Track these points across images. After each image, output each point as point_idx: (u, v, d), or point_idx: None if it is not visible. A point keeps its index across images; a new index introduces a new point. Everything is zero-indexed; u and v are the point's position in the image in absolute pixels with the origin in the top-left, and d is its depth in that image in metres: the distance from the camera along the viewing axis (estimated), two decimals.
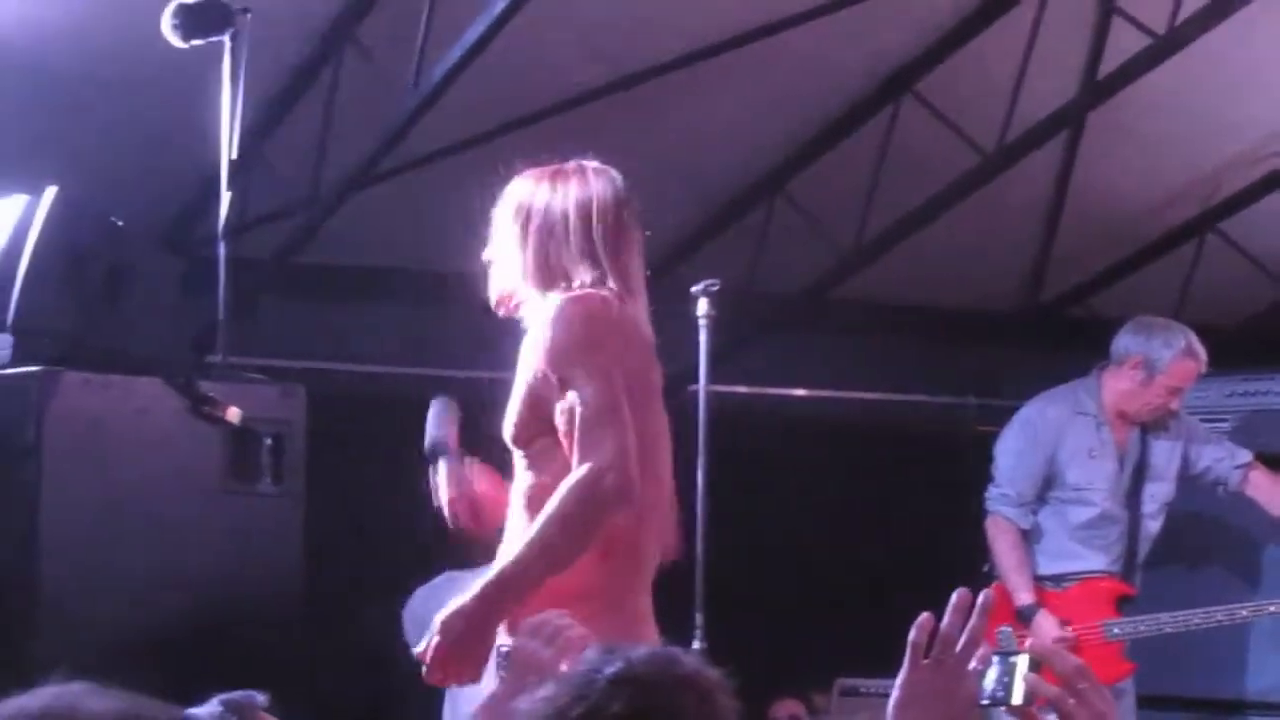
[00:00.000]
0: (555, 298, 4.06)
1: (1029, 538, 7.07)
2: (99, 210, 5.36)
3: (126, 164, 7.18)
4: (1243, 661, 7.69)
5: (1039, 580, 7.02)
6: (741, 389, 8.94)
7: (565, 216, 4.14)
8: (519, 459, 4.12)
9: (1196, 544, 7.66)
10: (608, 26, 7.30)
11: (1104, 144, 8.66)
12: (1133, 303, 8.33)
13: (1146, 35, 7.42)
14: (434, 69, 6.94)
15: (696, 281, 5.94)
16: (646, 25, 7.37)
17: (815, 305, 9.22)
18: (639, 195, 4.25)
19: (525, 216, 4.16)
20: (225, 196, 5.67)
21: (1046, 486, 7.08)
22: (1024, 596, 6.93)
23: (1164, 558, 7.32)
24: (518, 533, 4.06)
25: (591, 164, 4.24)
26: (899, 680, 2.43)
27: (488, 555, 4.18)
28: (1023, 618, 6.90)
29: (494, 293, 4.22)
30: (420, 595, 6.34)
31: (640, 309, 4.17)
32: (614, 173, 4.24)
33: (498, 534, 4.19)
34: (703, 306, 5.92)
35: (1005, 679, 2.40)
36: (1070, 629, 6.91)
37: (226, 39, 5.69)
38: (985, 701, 2.41)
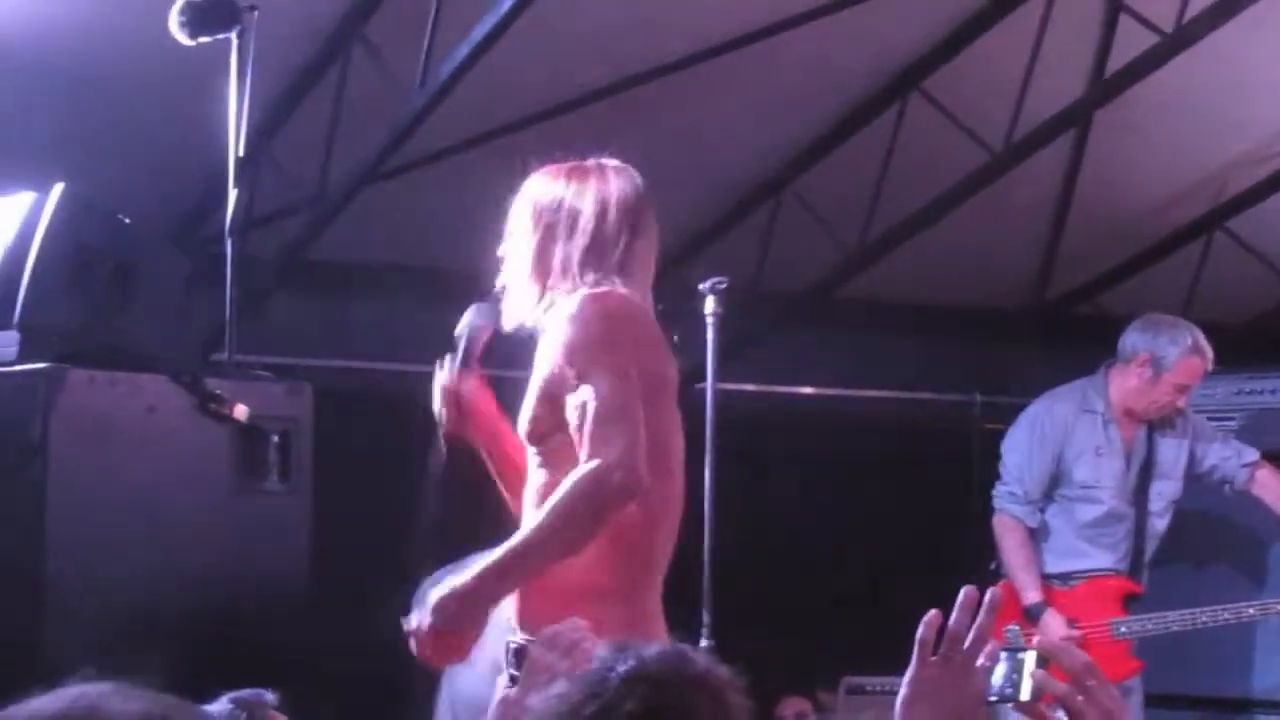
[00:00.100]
0: (575, 296, 4.04)
1: (1036, 536, 7.07)
2: (106, 208, 5.35)
3: (134, 161, 7.18)
4: (1249, 660, 7.69)
5: (1046, 578, 7.02)
6: (749, 387, 8.94)
7: (581, 215, 4.13)
8: (533, 455, 4.11)
9: (1203, 542, 7.65)
10: (614, 26, 7.30)
11: (1111, 142, 8.66)
12: (1140, 301, 8.33)
13: (1154, 33, 7.42)
14: (441, 67, 6.94)
15: (704, 280, 5.94)
16: (652, 25, 7.38)
17: (822, 303, 9.22)
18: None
19: (540, 213, 4.16)
20: (232, 194, 5.67)
21: (1054, 484, 7.08)
22: (1031, 595, 6.93)
23: (1171, 556, 7.32)
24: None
25: (612, 163, 4.23)
26: (907, 677, 2.43)
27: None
28: (1030, 616, 6.90)
29: (510, 308, 4.19)
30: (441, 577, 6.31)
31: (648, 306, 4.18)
32: (633, 172, 4.23)
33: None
34: (710, 305, 5.91)
35: (1013, 676, 2.40)
36: (1077, 627, 6.91)
37: (234, 37, 5.69)
38: (993, 698, 2.41)
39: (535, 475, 4.10)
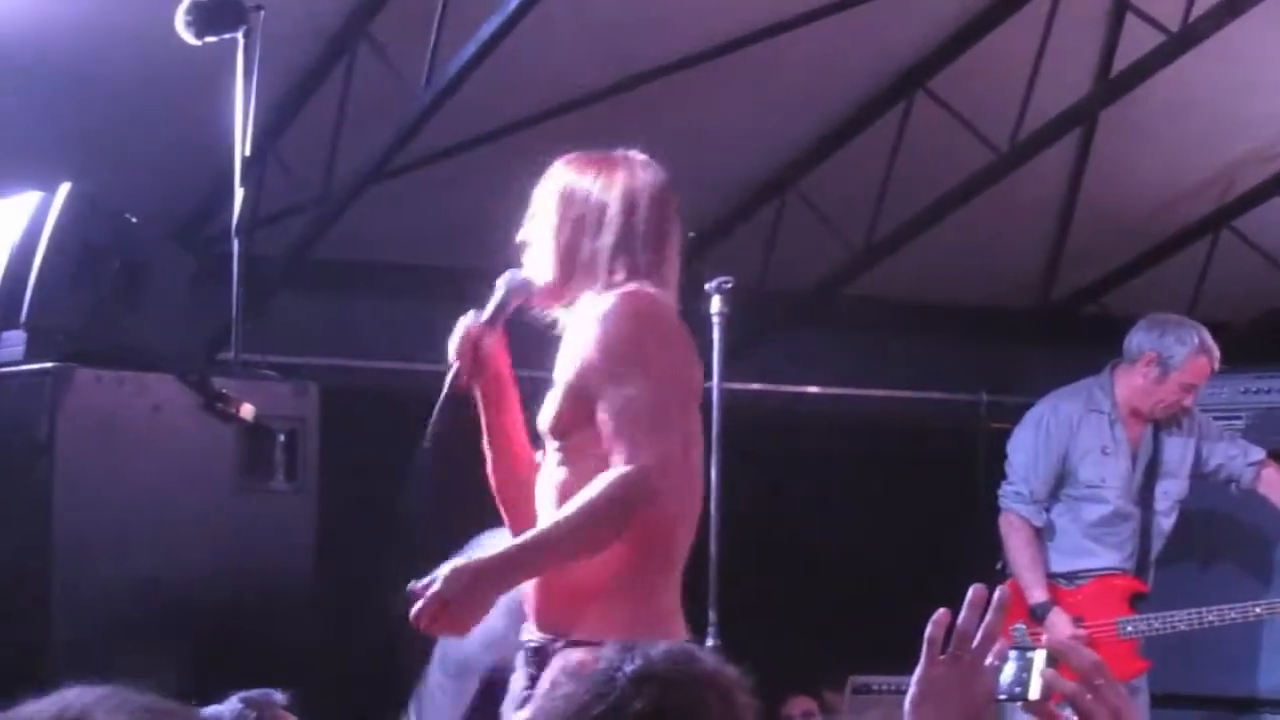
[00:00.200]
0: (608, 295, 4.01)
1: (1042, 535, 7.07)
2: (113, 207, 5.35)
3: (139, 161, 7.18)
4: (1255, 659, 7.68)
5: (1052, 578, 7.01)
6: (755, 386, 8.93)
7: (609, 209, 4.09)
8: (553, 451, 4.08)
9: (1209, 541, 7.65)
10: (619, 26, 7.30)
11: (1117, 141, 8.66)
12: (1146, 300, 8.33)
13: (1160, 32, 7.41)
14: (447, 66, 6.94)
15: (709, 279, 5.93)
16: (658, 24, 7.37)
17: (828, 302, 9.22)
18: None
19: (567, 204, 4.12)
20: (239, 193, 5.67)
21: (1060, 484, 7.08)
22: (1037, 594, 6.93)
23: (1177, 555, 7.32)
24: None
25: (638, 156, 4.20)
26: (915, 676, 2.43)
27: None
28: (1036, 615, 6.90)
29: (538, 280, 4.14)
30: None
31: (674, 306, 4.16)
32: (657, 166, 4.20)
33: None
34: (716, 304, 5.91)
35: (1022, 674, 2.39)
36: (1083, 626, 6.91)
37: (240, 36, 5.69)
38: (1002, 696, 2.41)
39: (554, 471, 4.06)
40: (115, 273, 5.16)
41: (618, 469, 3.88)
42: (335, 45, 7.27)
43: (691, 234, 4.23)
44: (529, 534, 3.98)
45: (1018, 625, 6.83)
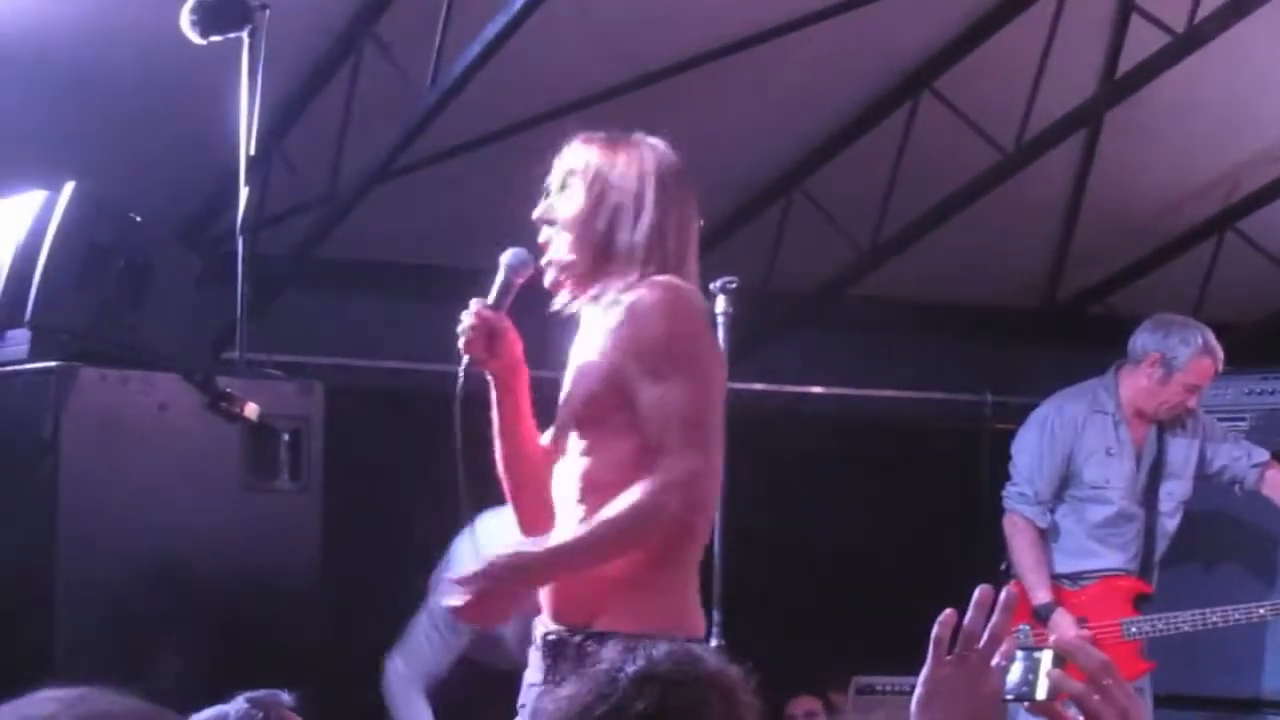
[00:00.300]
0: (644, 288, 3.97)
1: (1046, 536, 7.07)
2: (117, 206, 5.35)
3: (145, 160, 7.18)
4: (1260, 660, 7.68)
5: (1056, 578, 7.02)
6: (759, 386, 8.94)
7: (644, 197, 4.05)
8: (574, 440, 4.04)
9: (1213, 542, 7.65)
10: (625, 24, 7.30)
11: (1123, 142, 8.65)
12: (1151, 300, 8.33)
13: (1165, 33, 7.41)
14: (452, 66, 6.94)
15: (714, 279, 5.93)
16: (664, 23, 7.37)
17: (833, 302, 9.21)
18: None
19: (602, 190, 4.06)
20: (243, 193, 5.66)
21: (1064, 485, 7.08)
22: (1041, 595, 6.93)
23: (1181, 556, 7.32)
24: (573, 516, 4.00)
25: (653, 140, 4.17)
26: (922, 676, 2.42)
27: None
28: (1040, 616, 6.90)
29: (555, 266, 4.10)
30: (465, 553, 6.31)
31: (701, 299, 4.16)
32: (674, 152, 4.17)
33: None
34: (720, 304, 5.89)
35: (1029, 674, 2.39)
36: (1087, 627, 6.91)
37: (245, 35, 5.68)
38: (1009, 697, 2.41)
39: (576, 460, 4.03)
40: (120, 272, 5.15)
41: (663, 472, 3.87)
42: (341, 45, 7.27)
43: (700, 221, 4.20)
44: (567, 535, 3.95)
45: (1021, 626, 6.83)
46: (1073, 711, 2.33)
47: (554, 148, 4.21)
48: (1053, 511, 7.08)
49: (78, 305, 5.08)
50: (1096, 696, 2.30)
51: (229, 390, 5.03)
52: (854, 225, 8.64)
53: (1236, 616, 7.03)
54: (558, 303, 4.12)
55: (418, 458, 7.94)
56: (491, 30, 6.69)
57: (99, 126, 7.11)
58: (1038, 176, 8.49)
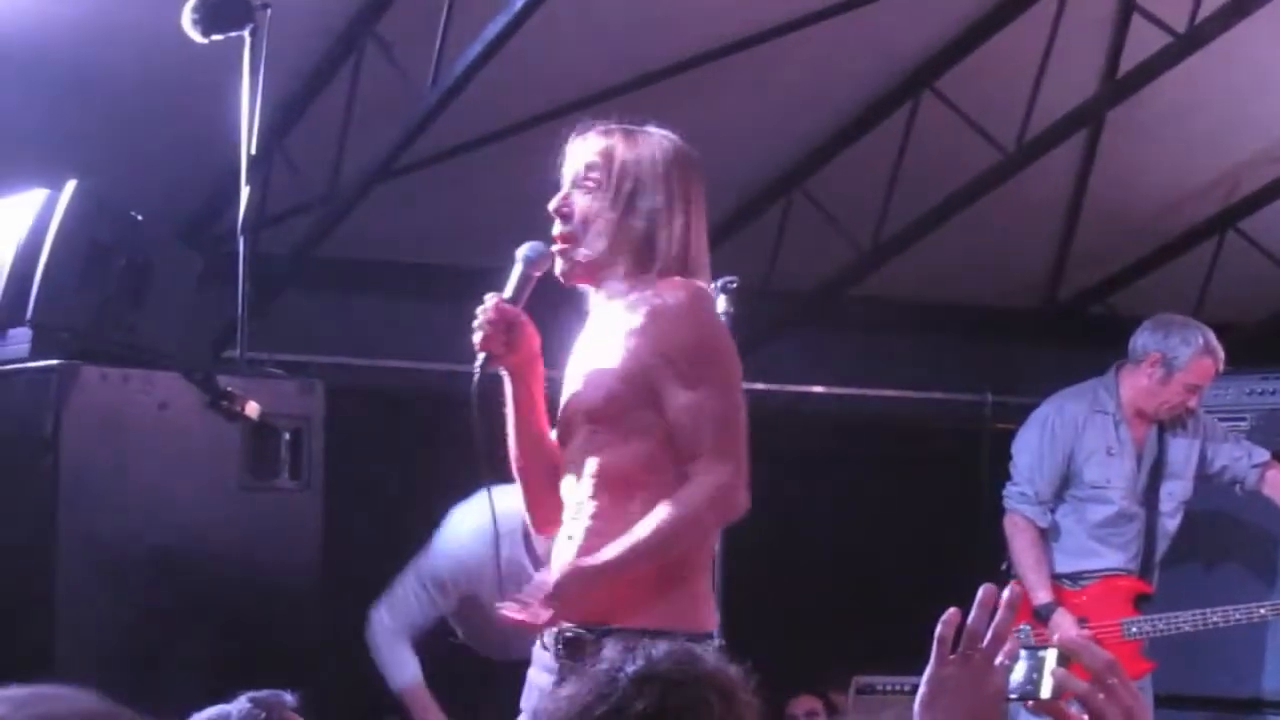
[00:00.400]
0: (671, 288, 3.97)
1: (1047, 536, 7.06)
2: (118, 205, 5.35)
3: (146, 159, 7.18)
4: (1260, 660, 7.68)
5: (1057, 578, 7.02)
6: (759, 386, 8.91)
7: (674, 197, 4.05)
8: (589, 434, 4.03)
9: (1214, 542, 7.65)
10: (626, 25, 7.30)
11: (1123, 142, 8.65)
12: (1152, 301, 8.33)
13: (1167, 33, 7.41)
14: (453, 65, 6.94)
15: (714, 279, 5.92)
16: (664, 24, 7.37)
17: (833, 302, 9.21)
18: None
19: (633, 187, 4.05)
20: (244, 192, 5.66)
21: (1064, 485, 7.08)
22: (1041, 595, 6.93)
23: (1181, 556, 7.32)
24: (586, 512, 4.01)
25: (667, 132, 4.15)
26: (925, 676, 2.42)
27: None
28: (1040, 616, 6.90)
29: (578, 259, 4.09)
30: (460, 520, 6.32)
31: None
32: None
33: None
34: (721, 304, 5.89)
35: (1034, 673, 2.39)
36: (1088, 627, 6.90)
37: (246, 34, 5.68)
38: (1014, 696, 2.40)
39: (590, 455, 4.03)
40: (121, 271, 5.16)
41: (709, 477, 3.91)
42: (342, 44, 7.27)
43: None
44: (624, 545, 3.93)
45: (1022, 626, 6.83)
46: (1077, 710, 2.33)
47: (562, 140, 4.19)
48: (1053, 511, 7.08)
49: (79, 304, 5.08)
50: (1101, 695, 2.30)
51: (230, 389, 5.03)
52: (854, 225, 8.64)
53: (1237, 616, 7.03)
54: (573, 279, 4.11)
55: (418, 457, 7.96)
56: (492, 30, 6.69)
57: (99, 126, 7.11)
58: (1038, 176, 8.49)
